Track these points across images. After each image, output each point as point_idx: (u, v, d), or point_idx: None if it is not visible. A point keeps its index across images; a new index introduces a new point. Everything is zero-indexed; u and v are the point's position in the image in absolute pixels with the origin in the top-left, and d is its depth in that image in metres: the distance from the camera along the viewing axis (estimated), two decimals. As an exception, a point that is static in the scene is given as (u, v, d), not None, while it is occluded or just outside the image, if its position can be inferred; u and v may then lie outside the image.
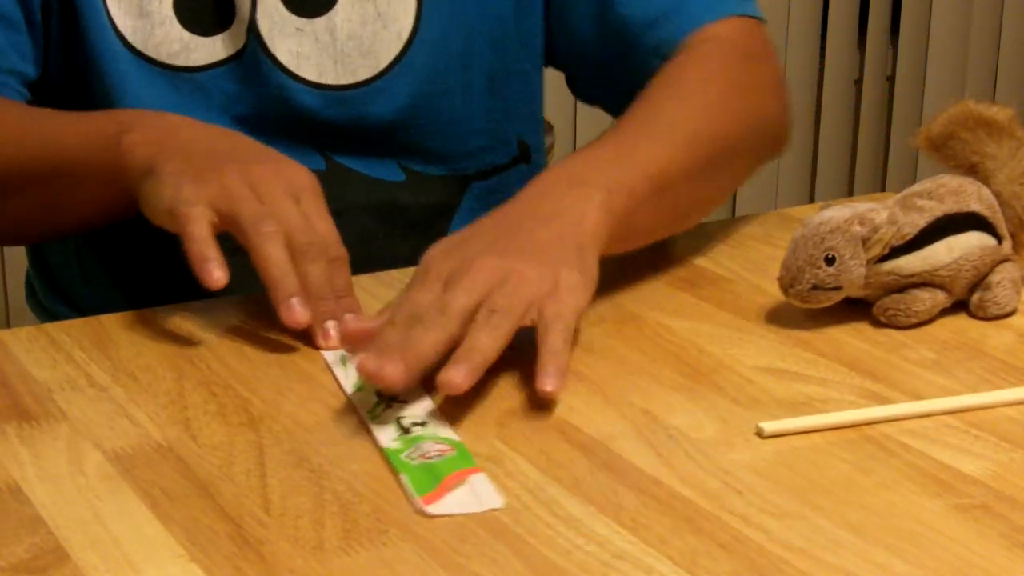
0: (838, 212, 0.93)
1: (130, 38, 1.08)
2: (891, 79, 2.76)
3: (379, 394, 0.84)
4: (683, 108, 1.06)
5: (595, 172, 0.97)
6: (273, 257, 0.90)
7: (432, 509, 0.73)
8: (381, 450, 0.79)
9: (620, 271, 1.01)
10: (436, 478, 0.75)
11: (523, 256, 0.89)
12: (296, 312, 0.89)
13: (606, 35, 1.17)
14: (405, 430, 0.80)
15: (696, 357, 0.91)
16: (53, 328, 0.94)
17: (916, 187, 0.97)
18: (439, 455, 0.77)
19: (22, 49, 1.08)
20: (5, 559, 0.69)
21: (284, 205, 0.92)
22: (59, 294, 1.22)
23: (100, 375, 0.88)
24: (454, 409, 0.83)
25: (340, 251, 0.93)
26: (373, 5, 1.12)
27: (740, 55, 1.14)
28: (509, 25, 1.18)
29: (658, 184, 0.99)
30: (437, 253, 0.90)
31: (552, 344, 0.85)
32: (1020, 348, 0.93)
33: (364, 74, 1.13)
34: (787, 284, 0.93)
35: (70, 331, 0.94)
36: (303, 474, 0.76)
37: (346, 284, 0.93)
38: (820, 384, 0.87)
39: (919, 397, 0.85)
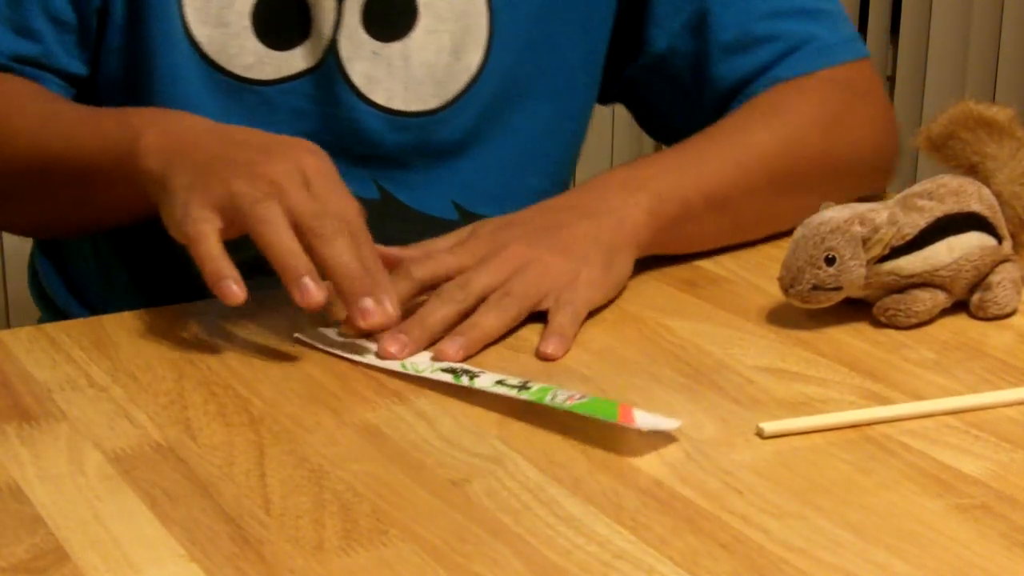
0: (838, 212, 0.93)
1: (205, 47, 1.07)
2: (891, 79, 2.76)
3: (451, 369, 0.87)
4: (763, 132, 1.08)
5: (650, 178, 1.02)
6: (274, 238, 0.87)
7: (640, 422, 0.78)
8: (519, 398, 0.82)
9: (620, 271, 1.01)
10: (611, 405, 0.79)
11: (553, 249, 0.96)
12: (310, 292, 0.86)
13: (702, 88, 1.16)
14: (520, 387, 0.83)
15: (696, 357, 0.91)
16: (53, 328, 0.94)
17: (916, 187, 0.97)
18: (584, 396, 0.81)
19: (70, 48, 1.07)
20: (5, 559, 0.69)
21: (289, 190, 0.89)
22: (71, 290, 1.21)
23: (100, 375, 0.88)
24: (456, 409, 0.83)
25: (359, 223, 0.90)
26: (448, 36, 1.11)
27: (842, 90, 1.14)
28: (575, 65, 1.17)
29: (718, 200, 1.03)
30: (482, 230, 0.98)
31: (559, 321, 0.92)
32: (1020, 348, 0.93)
33: (432, 103, 1.13)
34: (787, 284, 0.93)
35: (70, 331, 0.94)
36: (303, 474, 0.76)
37: (373, 257, 0.89)
38: (820, 384, 0.87)
39: (919, 397, 0.85)
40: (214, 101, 1.08)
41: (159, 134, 0.95)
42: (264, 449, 0.79)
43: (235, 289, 0.87)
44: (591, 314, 0.96)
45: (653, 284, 1.02)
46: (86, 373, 0.88)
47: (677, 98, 1.18)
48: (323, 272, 0.87)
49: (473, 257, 0.95)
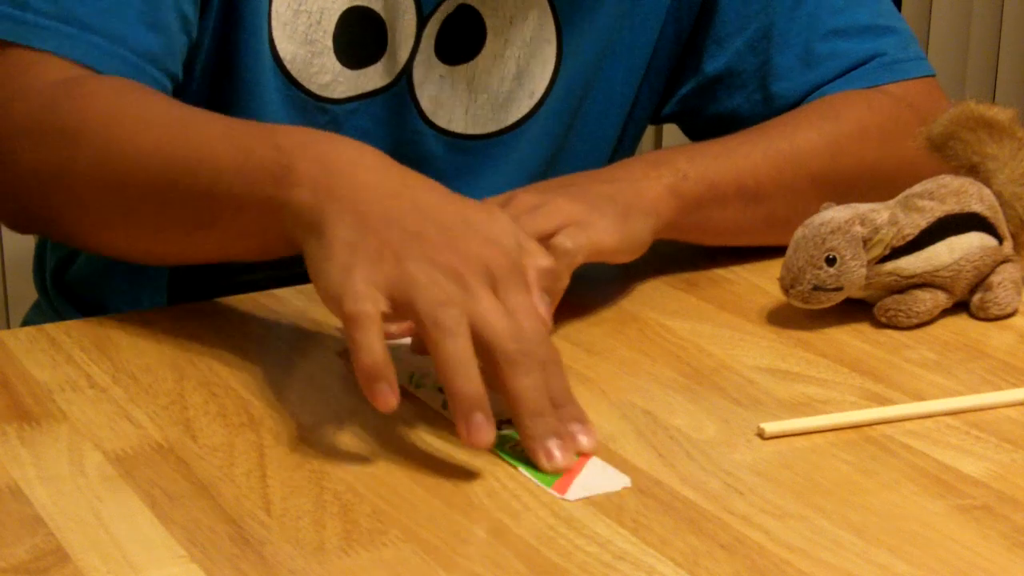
0: (839, 212, 0.93)
1: (288, 64, 1.06)
2: (891, 79, 2.76)
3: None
4: (811, 131, 1.07)
5: (682, 159, 1.01)
6: (456, 356, 0.75)
7: (571, 495, 0.74)
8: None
9: (620, 271, 1.01)
10: (550, 478, 0.76)
11: (567, 195, 0.94)
12: (481, 432, 0.75)
13: (761, 106, 1.15)
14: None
15: (697, 357, 0.91)
16: (53, 328, 0.94)
17: (917, 187, 0.97)
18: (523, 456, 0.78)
19: (183, 48, 1.03)
20: (5, 560, 0.69)
21: (478, 292, 0.77)
22: (85, 289, 1.20)
23: (100, 376, 0.88)
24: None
25: (551, 351, 0.79)
26: (515, 63, 1.11)
27: (898, 103, 1.12)
28: (615, 91, 1.17)
29: (750, 191, 1.02)
30: (490, 197, 0.96)
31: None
32: (1021, 349, 0.93)
33: (492, 127, 1.12)
34: (788, 285, 0.93)
35: (70, 331, 0.94)
36: (303, 475, 0.76)
37: (564, 389, 0.79)
38: (821, 385, 0.87)
39: (920, 398, 0.85)
40: (288, 117, 1.07)
41: (314, 163, 0.84)
42: (264, 450, 0.79)
43: (390, 395, 0.76)
44: (591, 314, 0.96)
45: (653, 284, 1.02)
46: (86, 373, 0.88)
47: (734, 116, 1.16)
48: (500, 391, 0.77)
49: None
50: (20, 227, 1.01)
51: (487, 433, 0.75)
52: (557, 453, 0.76)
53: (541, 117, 1.13)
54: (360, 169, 0.84)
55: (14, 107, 0.95)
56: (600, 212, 0.94)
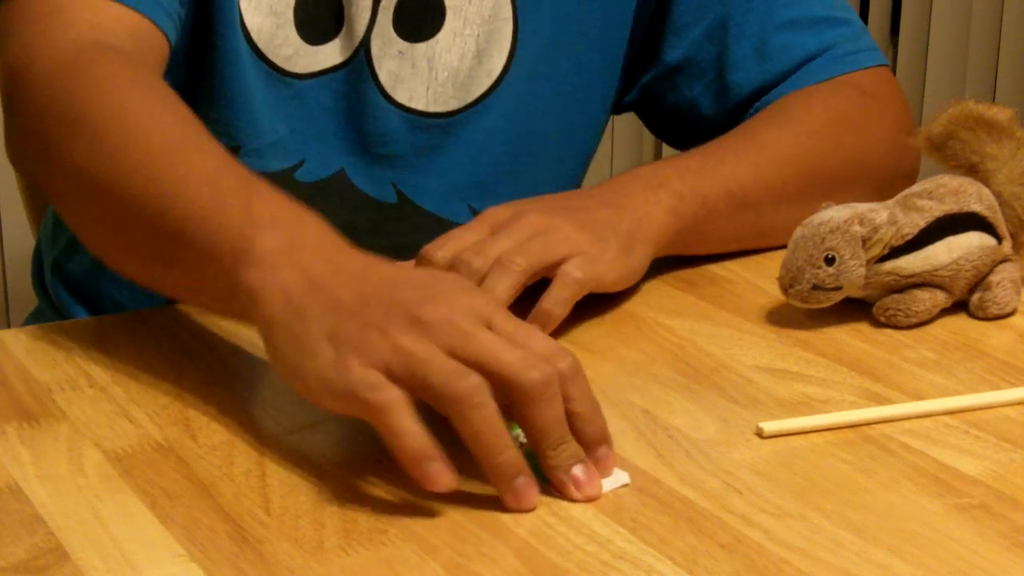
0: (838, 212, 0.93)
1: (255, 36, 1.07)
2: (891, 79, 2.76)
3: None
4: (780, 133, 1.08)
5: (673, 177, 1.02)
6: (485, 433, 0.72)
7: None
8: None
9: (620, 271, 1.01)
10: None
11: (572, 222, 0.94)
12: (527, 496, 0.73)
13: (719, 96, 1.16)
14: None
15: (696, 357, 0.91)
16: (53, 328, 0.94)
17: (916, 187, 0.97)
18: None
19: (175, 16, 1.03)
20: (5, 559, 0.69)
21: (479, 337, 0.74)
22: (76, 289, 1.20)
23: (100, 375, 0.88)
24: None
25: (570, 361, 0.75)
26: (474, 41, 1.11)
27: (857, 93, 1.14)
28: (593, 73, 1.17)
29: (739, 200, 1.03)
30: (495, 207, 0.96)
31: (554, 296, 0.91)
32: (1020, 348, 0.93)
33: (452, 105, 1.13)
34: (787, 284, 0.93)
35: (70, 331, 0.94)
36: (303, 474, 0.76)
37: (589, 403, 0.76)
38: (820, 384, 0.87)
39: (919, 397, 0.85)
40: (261, 90, 1.08)
41: (276, 244, 0.80)
42: (264, 449, 0.79)
43: (444, 473, 0.72)
44: (590, 314, 0.96)
45: (653, 284, 1.02)
46: (86, 373, 0.88)
47: (693, 106, 1.18)
48: (520, 423, 0.75)
49: (491, 228, 0.94)
50: (17, 161, 0.99)
51: (533, 495, 0.73)
52: (583, 478, 0.74)
53: (501, 96, 1.14)
54: (323, 251, 0.80)
55: (38, 48, 0.95)
56: (604, 244, 0.95)
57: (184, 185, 0.85)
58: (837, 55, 1.15)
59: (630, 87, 1.21)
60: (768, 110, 1.12)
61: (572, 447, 0.74)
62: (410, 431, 0.72)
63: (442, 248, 0.93)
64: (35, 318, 1.27)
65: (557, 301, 0.91)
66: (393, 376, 0.73)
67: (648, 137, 2.50)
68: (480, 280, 0.90)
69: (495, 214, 0.96)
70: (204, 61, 1.07)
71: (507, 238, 0.92)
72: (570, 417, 0.74)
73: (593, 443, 0.75)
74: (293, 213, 0.82)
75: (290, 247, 0.79)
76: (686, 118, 1.19)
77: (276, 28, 1.07)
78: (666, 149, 2.51)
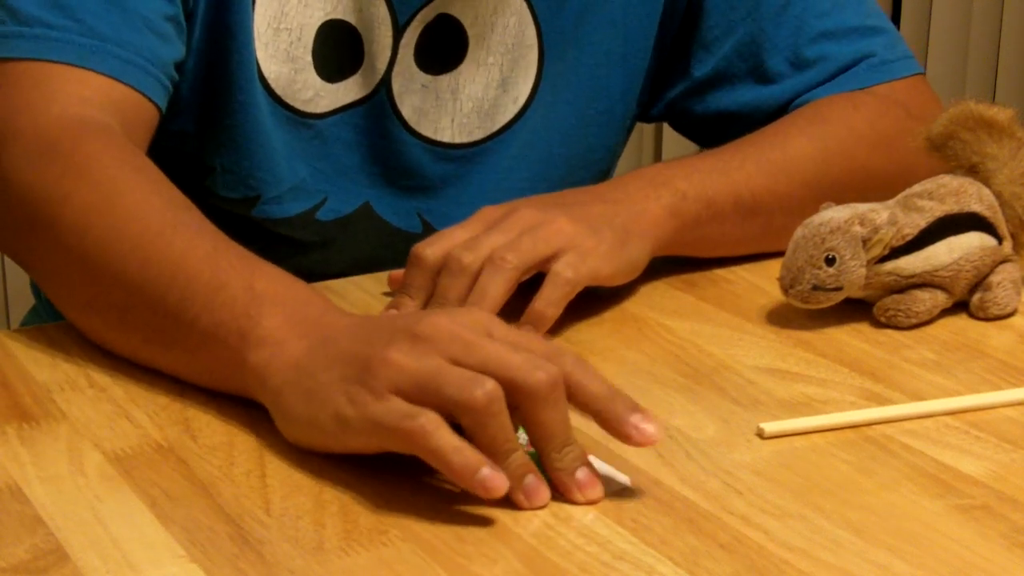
0: (838, 212, 0.93)
1: (273, 84, 1.06)
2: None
3: None
4: (802, 138, 1.07)
5: (680, 177, 1.01)
6: (498, 440, 0.72)
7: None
8: None
9: (620, 271, 1.01)
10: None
11: (567, 215, 0.94)
12: (541, 494, 0.73)
13: (751, 109, 1.15)
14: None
15: (696, 357, 0.91)
16: (53, 328, 0.94)
17: (916, 187, 0.97)
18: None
19: (176, 57, 1.02)
20: (5, 560, 0.69)
21: (484, 345, 0.74)
22: None
23: (100, 375, 0.88)
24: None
25: (572, 356, 0.76)
26: (498, 71, 1.11)
27: (898, 109, 1.12)
28: (615, 97, 1.17)
29: (749, 206, 1.02)
30: (490, 206, 0.95)
31: (546, 296, 0.90)
32: (1020, 348, 0.93)
33: (478, 135, 1.12)
34: (787, 285, 0.93)
35: (70, 331, 0.94)
36: (303, 474, 0.76)
37: (606, 386, 0.75)
38: (820, 384, 0.87)
39: (919, 397, 0.85)
40: (280, 136, 1.07)
41: (282, 320, 0.80)
42: (264, 449, 0.79)
43: (497, 478, 0.71)
44: (590, 314, 0.96)
45: (653, 284, 1.02)
46: (86, 373, 0.88)
47: (726, 117, 1.16)
48: (525, 425, 0.75)
49: (484, 225, 0.94)
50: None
51: (544, 492, 0.73)
52: (586, 480, 0.74)
53: (528, 122, 1.13)
54: (326, 319, 0.80)
55: (19, 121, 0.93)
56: (599, 236, 0.94)
57: (183, 266, 0.84)
58: (872, 65, 1.14)
59: (655, 100, 1.20)
60: (806, 112, 1.11)
61: (576, 450, 0.74)
62: (454, 447, 0.71)
63: (432, 246, 0.92)
64: (33, 317, 1.27)
65: (549, 302, 0.91)
66: (408, 397, 0.73)
67: (648, 138, 2.50)
68: (472, 278, 0.90)
69: (489, 212, 0.95)
70: (221, 112, 1.06)
71: (499, 233, 0.92)
72: (591, 402, 0.74)
73: (626, 412, 0.74)
74: (295, 291, 0.83)
75: (294, 321, 0.80)
76: (719, 128, 1.18)
77: (295, 73, 1.06)
78: (666, 150, 2.51)
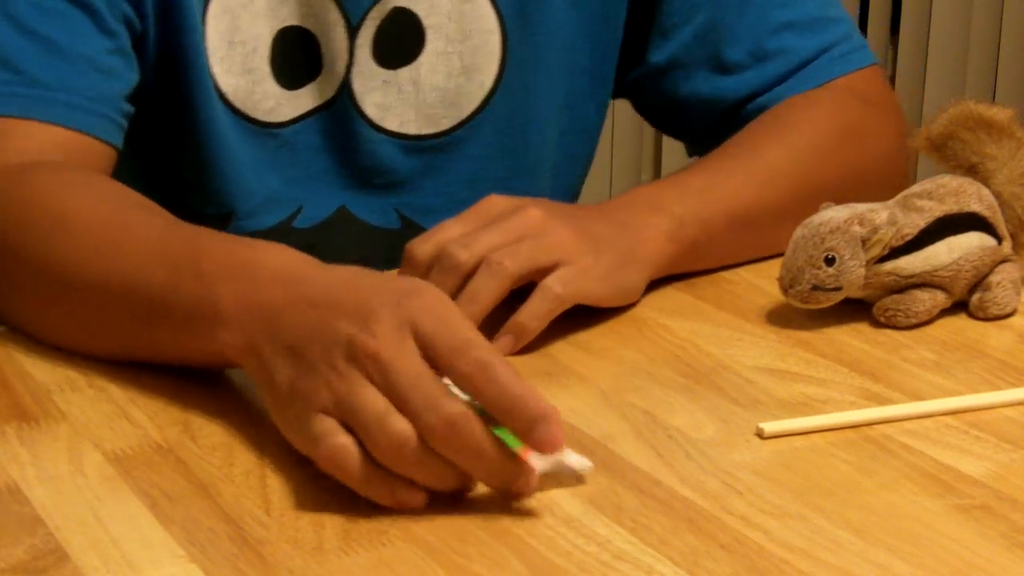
0: (838, 212, 0.93)
1: (231, 97, 1.06)
2: (891, 79, 2.76)
3: None
4: (785, 150, 1.07)
5: (675, 200, 1.00)
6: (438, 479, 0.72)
7: (533, 461, 0.72)
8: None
9: (620, 271, 1.01)
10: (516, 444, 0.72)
11: (570, 227, 0.92)
12: (417, 498, 0.73)
13: (710, 99, 1.15)
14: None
15: (696, 357, 0.91)
16: (53, 328, 0.94)
17: (916, 187, 0.97)
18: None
19: (126, 90, 1.02)
20: (5, 560, 0.69)
21: (415, 386, 0.71)
22: None
23: (100, 375, 0.88)
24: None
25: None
26: (459, 59, 1.11)
27: (860, 103, 1.13)
28: (586, 80, 1.17)
29: (741, 220, 1.02)
30: (497, 196, 0.93)
31: (531, 309, 0.89)
32: (1020, 348, 0.93)
33: (445, 124, 1.12)
34: (787, 284, 0.93)
35: (70, 331, 0.94)
36: (303, 474, 0.76)
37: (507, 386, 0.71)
38: (820, 384, 0.87)
39: (919, 397, 0.85)
40: (246, 149, 1.07)
41: (238, 289, 0.80)
42: (264, 449, 0.79)
43: (417, 497, 0.72)
44: (590, 314, 0.96)
45: (653, 284, 1.02)
46: (86, 373, 0.88)
47: (683, 105, 1.17)
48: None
49: (486, 219, 0.91)
50: None
51: (418, 498, 0.72)
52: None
53: (496, 107, 1.13)
54: (279, 283, 0.78)
55: None
56: (598, 256, 0.92)
57: (138, 266, 0.85)
58: (834, 57, 1.15)
59: (618, 83, 1.20)
60: (769, 118, 1.11)
61: (508, 470, 0.72)
62: (362, 476, 0.71)
63: (426, 242, 0.91)
64: None
65: (535, 315, 0.89)
66: (334, 416, 0.72)
67: (648, 138, 2.50)
68: (463, 277, 0.88)
69: (495, 204, 0.93)
70: (184, 131, 1.06)
71: (499, 233, 0.90)
72: (481, 387, 0.71)
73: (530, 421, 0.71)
74: (241, 256, 0.81)
75: (248, 294, 0.79)
76: (676, 114, 1.18)
77: (253, 85, 1.06)
78: (666, 150, 2.51)
